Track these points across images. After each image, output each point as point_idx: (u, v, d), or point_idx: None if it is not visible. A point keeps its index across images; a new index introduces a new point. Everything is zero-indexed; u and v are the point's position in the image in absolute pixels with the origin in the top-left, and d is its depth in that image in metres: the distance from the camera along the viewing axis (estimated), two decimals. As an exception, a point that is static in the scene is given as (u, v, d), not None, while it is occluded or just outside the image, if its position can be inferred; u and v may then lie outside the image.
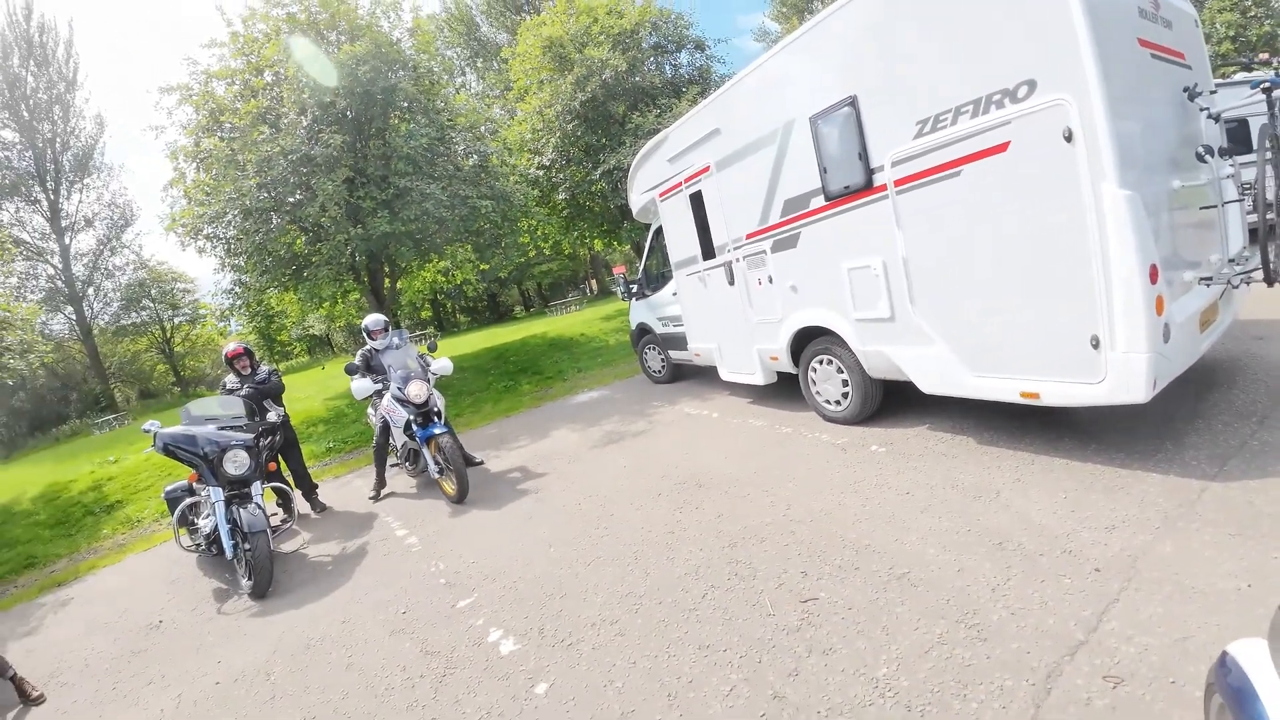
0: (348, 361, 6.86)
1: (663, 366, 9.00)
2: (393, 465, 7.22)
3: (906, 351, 4.57)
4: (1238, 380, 4.54)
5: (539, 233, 13.97)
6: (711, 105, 5.92)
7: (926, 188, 4.05)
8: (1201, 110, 4.02)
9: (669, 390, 8.64)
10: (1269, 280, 3.65)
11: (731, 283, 6.25)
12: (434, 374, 6.53)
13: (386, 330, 6.71)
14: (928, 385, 4.51)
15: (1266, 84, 3.67)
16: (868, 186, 4.45)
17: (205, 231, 10.63)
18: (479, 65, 31.44)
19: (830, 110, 4.55)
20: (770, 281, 5.71)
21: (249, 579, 4.72)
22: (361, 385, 6.35)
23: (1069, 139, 3.21)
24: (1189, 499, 3.15)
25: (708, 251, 6.50)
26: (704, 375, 8.80)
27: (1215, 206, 4.14)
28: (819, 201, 4.91)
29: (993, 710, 2.12)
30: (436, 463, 5.98)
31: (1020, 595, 2.69)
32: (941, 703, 2.20)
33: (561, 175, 14.10)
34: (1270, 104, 3.68)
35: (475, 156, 10.97)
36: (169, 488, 5.77)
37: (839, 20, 4.36)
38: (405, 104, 10.36)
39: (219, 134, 10.30)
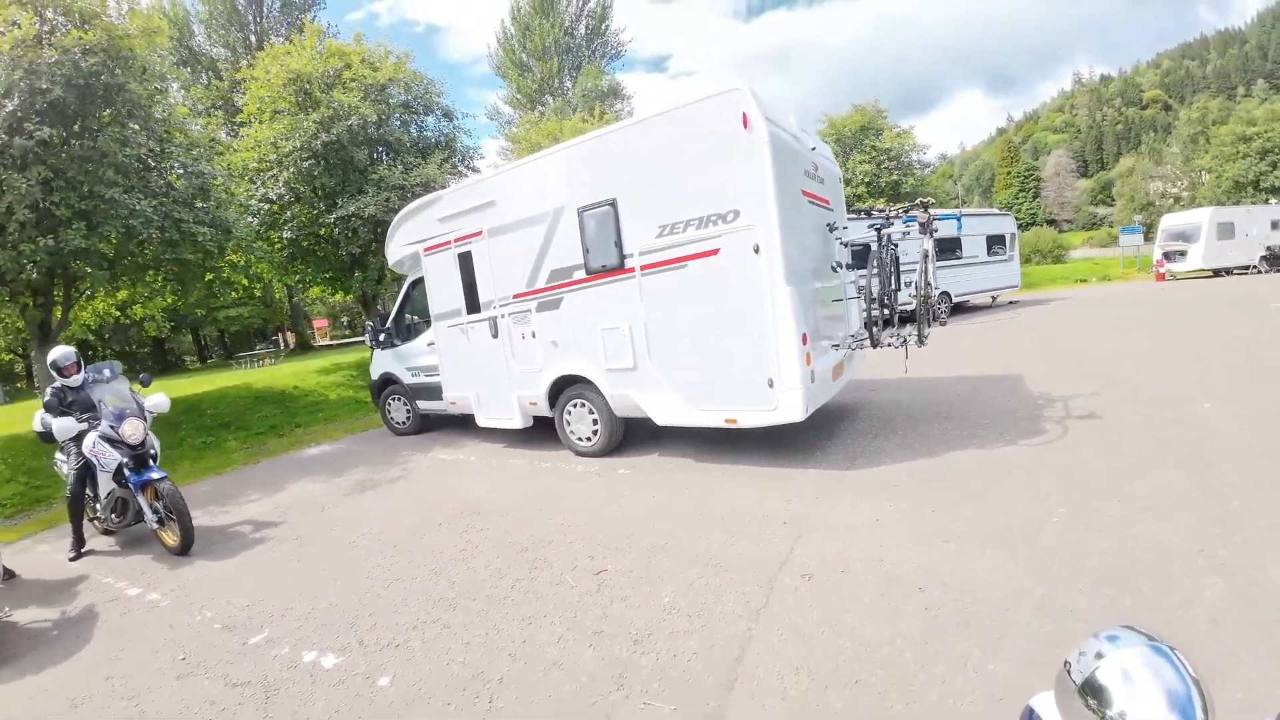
0: (45, 400, 5.72)
1: (408, 417, 9.10)
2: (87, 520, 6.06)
3: (645, 393, 5.94)
4: (860, 414, 7.04)
5: (253, 270, 12.57)
6: (490, 180, 6.83)
7: (663, 273, 5.55)
8: (837, 239, 6.36)
9: (416, 441, 8.78)
10: (874, 345, 6.01)
11: (495, 336, 7.03)
12: (150, 411, 5.85)
13: (79, 367, 5.79)
14: (660, 418, 5.91)
15: (877, 225, 6.11)
16: (620, 267, 5.81)
17: None
18: (185, 74, 27.23)
19: (595, 206, 5.86)
20: (534, 336, 6.67)
21: None
22: (65, 424, 5.37)
23: (757, 251, 4.97)
24: (834, 481, 5.01)
25: (473, 306, 7.19)
26: (451, 425, 9.17)
27: (842, 301, 6.53)
28: (580, 274, 6.12)
29: (741, 605, 3.31)
30: (155, 511, 5.38)
31: (741, 544, 4.03)
32: (708, 608, 3.31)
33: (288, 212, 13.09)
34: (879, 237, 6.11)
35: (194, 177, 9.72)
36: None
37: (608, 141, 5.80)
38: (126, 108, 8.85)
39: None
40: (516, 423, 7.15)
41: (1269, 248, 22.87)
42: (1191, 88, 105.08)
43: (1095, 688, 0.82)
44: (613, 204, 5.74)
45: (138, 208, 8.71)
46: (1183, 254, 22.61)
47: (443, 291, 7.52)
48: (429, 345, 8.10)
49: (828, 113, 28.83)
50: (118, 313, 12.33)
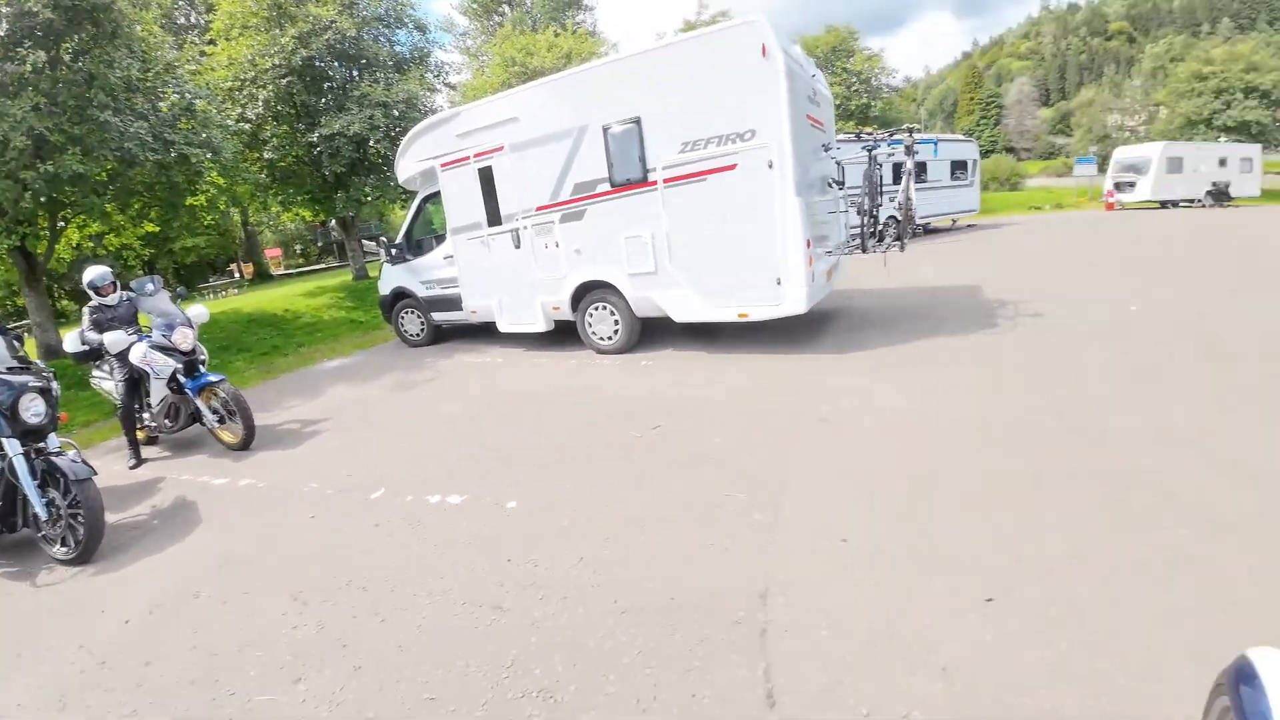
0: (85, 320, 5.93)
1: (422, 329, 9.59)
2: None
3: (665, 294, 6.75)
4: (842, 316, 8.11)
5: (235, 191, 12.42)
6: (513, 97, 7.26)
7: (684, 186, 6.27)
8: (831, 158, 7.17)
9: (434, 350, 9.32)
10: (864, 250, 7.10)
11: (518, 246, 7.63)
12: (194, 321, 6.11)
13: (115, 286, 5.99)
14: (679, 315, 6.77)
15: (869, 146, 6.95)
16: (644, 180, 6.49)
17: None
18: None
19: (620, 124, 6.44)
20: (557, 246, 7.31)
21: (64, 545, 4.00)
22: (115, 337, 5.58)
23: (771, 166, 5.74)
24: (830, 362, 6.08)
25: (494, 219, 7.72)
26: (465, 335, 9.78)
27: (835, 213, 7.42)
28: (605, 187, 6.76)
29: (776, 436, 4.31)
30: (214, 411, 5.78)
31: (765, 402, 5.06)
32: (751, 439, 4.31)
33: (267, 130, 12.88)
34: (870, 158, 6.96)
35: (177, 96, 9.57)
36: None
37: (633, 63, 6.37)
38: (111, 27, 8.58)
39: None
40: (539, 326, 7.87)
41: (1214, 183, 24.05)
42: (1157, 21, 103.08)
43: None
44: (638, 122, 6.34)
45: (130, 129, 8.66)
46: (1132, 185, 23.65)
47: (461, 205, 7.99)
48: (445, 258, 8.60)
49: (800, 31, 28.81)
50: (91, 244, 11.97)
